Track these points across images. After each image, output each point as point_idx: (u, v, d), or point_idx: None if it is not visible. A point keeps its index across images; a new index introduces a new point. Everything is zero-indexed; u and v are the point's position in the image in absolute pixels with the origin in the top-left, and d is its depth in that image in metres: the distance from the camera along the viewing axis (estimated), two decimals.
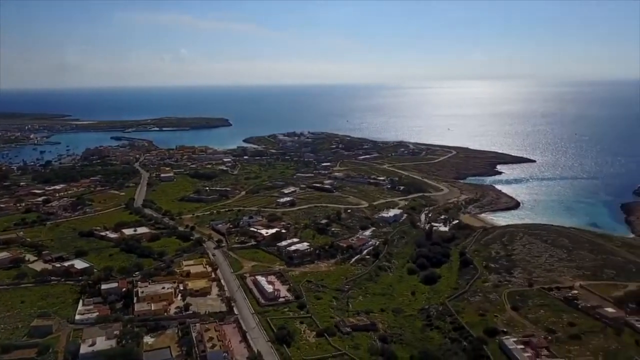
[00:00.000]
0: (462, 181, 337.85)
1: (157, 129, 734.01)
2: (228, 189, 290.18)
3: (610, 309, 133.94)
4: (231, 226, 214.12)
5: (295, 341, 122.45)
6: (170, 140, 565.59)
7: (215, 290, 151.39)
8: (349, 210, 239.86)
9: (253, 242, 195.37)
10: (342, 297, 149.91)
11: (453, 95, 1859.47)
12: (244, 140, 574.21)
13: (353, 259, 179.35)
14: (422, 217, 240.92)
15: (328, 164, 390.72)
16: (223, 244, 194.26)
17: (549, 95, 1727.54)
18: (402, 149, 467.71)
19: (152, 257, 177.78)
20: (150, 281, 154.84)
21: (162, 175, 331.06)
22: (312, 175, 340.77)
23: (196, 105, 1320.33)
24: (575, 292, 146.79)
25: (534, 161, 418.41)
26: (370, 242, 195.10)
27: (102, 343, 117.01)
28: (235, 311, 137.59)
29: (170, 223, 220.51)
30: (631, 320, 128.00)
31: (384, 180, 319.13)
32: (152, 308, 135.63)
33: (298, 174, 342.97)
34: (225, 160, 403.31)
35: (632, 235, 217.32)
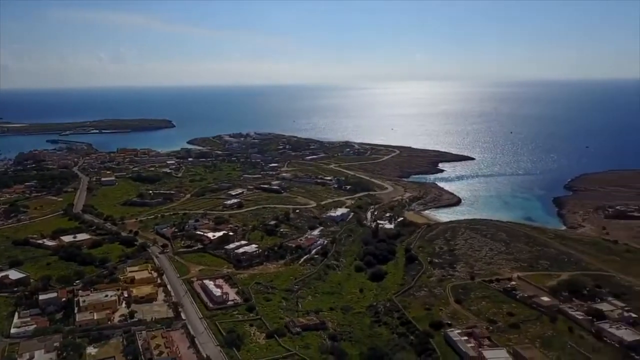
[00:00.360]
0: (405, 179, 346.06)
1: (97, 131, 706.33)
2: (172, 192, 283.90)
3: (545, 298, 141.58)
4: (176, 230, 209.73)
5: (245, 344, 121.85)
6: (111, 143, 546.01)
7: (161, 296, 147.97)
8: (297, 211, 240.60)
9: (200, 246, 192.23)
10: (291, 297, 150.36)
11: (396, 96, 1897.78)
12: (188, 142, 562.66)
13: (302, 259, 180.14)
14: (369, 215, 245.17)
15: (275, 164, 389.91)
16: (168, 249, 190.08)
17: (484, 95, 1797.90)
18: (348, 149, 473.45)
19: (94, 265, 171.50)
20: (92, 289, 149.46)
21: (103, 179, 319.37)
22: (260, 176, 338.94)
23: (138, 106, 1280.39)
24: (514, 283, 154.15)
25: (474, 159, 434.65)
26: (319, 242, 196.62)
27: (41, 357, 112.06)
28: (183, 316, 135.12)
29: (112, 228, 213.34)
30: (564, 308, 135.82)
31: (331, 180, 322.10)
32: (95, 317, 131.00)
33: (245, 175, 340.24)
34: (169, 162, 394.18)
35: (563, 228, 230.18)
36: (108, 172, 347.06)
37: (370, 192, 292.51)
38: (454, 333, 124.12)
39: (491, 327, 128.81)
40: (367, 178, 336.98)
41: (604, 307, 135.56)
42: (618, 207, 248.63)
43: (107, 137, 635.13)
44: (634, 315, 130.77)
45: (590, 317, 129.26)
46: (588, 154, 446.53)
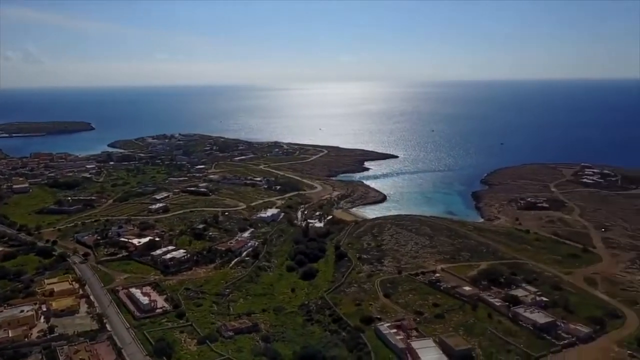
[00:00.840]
0: (334, 178, 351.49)
1: (7, 135, 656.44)
2: (93, 197, 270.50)
3: (467, 288, 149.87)
4: (99, 238, 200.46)
5: (175, 352, 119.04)
6: (24, 147, 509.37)
7: (84, 308, 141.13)
8: (226, 213, 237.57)
9: (124, 253, 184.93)
10: (222, 301, 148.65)
11: (323, 96, 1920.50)
12: (109, 145, 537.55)
13: (232, 262, 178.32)
14: (299, 214, 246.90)
15: (202, 166, 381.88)
16: (90, 258, 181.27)
17: (405, 95, 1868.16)
18: (277, 149, 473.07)
19: (7, 278, 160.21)
20: (5, 305, 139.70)
21: (15, 186, 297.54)
22: (186, 178, 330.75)
23: (54, 109, 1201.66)
24: (438, 275, 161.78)
25: (397, 157, 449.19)
26: (250, 244, 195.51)
27: None
28: (109, 328, 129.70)
29: (27, 239, 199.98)
30: (484, 296, 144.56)
31: (260, 180, 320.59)
32: (10, 335, 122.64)
33: (170, 178, 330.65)
34: (88, 167, 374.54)
35: (481, 220, 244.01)
36: (21, 178, 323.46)
37: (300, 192, 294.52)
38: (384, 327, 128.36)
39: (418, 319, 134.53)
40: (297, 178, 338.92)
41: (519, 293, 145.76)
42: (529, 199, 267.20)
43: (19, 141, 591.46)
44: (545, 299, 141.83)
45: (507, 303, 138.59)
46: (503, 150, 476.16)
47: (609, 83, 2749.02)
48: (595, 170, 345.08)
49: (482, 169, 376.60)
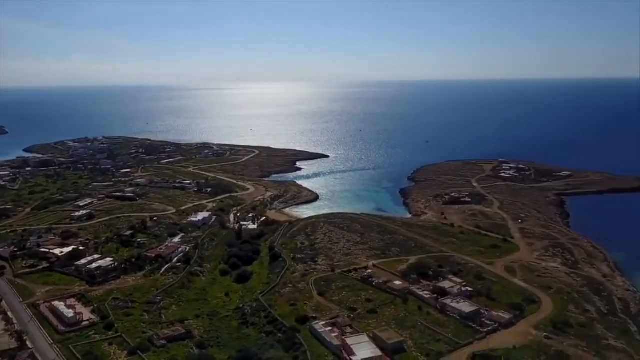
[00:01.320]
0: (266, 179, 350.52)
1: None
2: (8, 206, 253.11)
3: (397, 282, 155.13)
4: (16, 249, 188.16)
5: None
6: None
7: (1, 325, 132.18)
8: (155, 218, 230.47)
9: (45, 265, 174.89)
10: (154, 309, 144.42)
11: (253, 96, 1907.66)
12: (25, 150, 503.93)
13: (163, 269, 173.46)
14: (231, 217, 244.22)
15: (128, 170, 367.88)
16: (7, 271, 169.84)
17: (334, 95, 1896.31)
18: (207, 151, 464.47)
19: None
20: None
21: None
22: (111, 183, 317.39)
23: None
24: (370, 271, 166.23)
25: (328, 156, 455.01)
26: (181, 249, 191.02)
27: None
28: (30, 345, 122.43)
29: None
30: (414, 289, 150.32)
31: (190, 183, 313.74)
32: None
33: (94, 184, 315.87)
34: (2, 173, 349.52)
35: (409, 216, 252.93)
36: None
37: (232, 194, 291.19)
38: (319, 325, 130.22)
39: (352, 315, 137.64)
40: (228, 179, 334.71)
41: (446, 284, 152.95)
42: (453, 194, 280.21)
43: None
44: (470, 289, 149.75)
45: (435, 295, 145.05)
46: (429, 148, 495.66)
47: (590, 82, 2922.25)
48: (511, 165, 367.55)
49: (409, 166, 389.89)
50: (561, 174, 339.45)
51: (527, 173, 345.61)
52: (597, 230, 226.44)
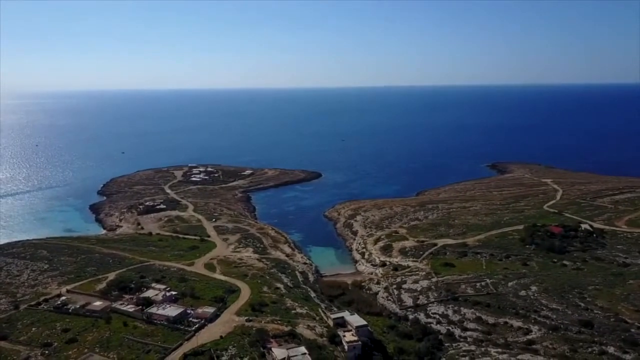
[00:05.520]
0: None
1: None
2: None
3: (98, 302, 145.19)
4: None
5: None
6: None
7: None
8: None
9: None
10: None
11: None
12: None
13: None
14: None
15: None
16: None
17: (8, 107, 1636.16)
18: None
19: None
20: None
21: None
22: None
23: None
24: (64, 297, 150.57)
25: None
26: None
27: None
28: None
29: None
30: (117, 306, 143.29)
31: None
32: None
33: None
34: None
35: (104, 232, 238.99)
36: None
37: None
38: None
39: (47, 351, 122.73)
40: None
41: (150, 293, 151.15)
42: (147, 203, 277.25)
43: None
44: (174, 292, 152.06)
45: (141, 307, 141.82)
46: (123, 159, 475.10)
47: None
48: (201, 169, 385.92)
49: (99, 179, 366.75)
50: (245, 172, 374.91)
51: (216, 175, 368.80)
52: (278, 217, 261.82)
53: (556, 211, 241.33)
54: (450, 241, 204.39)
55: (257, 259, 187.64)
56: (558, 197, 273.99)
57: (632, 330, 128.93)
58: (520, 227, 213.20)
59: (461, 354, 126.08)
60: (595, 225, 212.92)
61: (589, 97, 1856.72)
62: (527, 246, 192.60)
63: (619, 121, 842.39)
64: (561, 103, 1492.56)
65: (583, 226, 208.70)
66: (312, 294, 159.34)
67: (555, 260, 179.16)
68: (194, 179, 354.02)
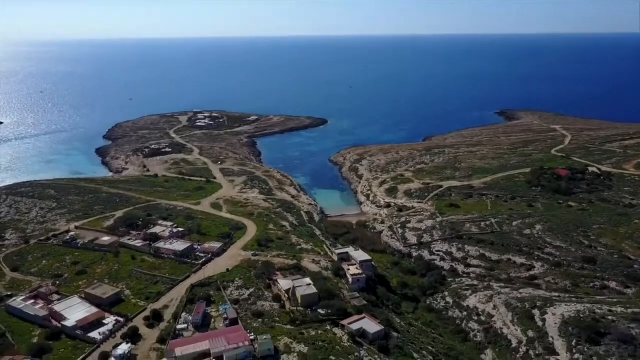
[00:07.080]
0: None
1: None
2: None
3: (106, 238, 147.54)
4: None
5: None
6: None
7: None
8: None
9: None
10: None
11: None
12: None
13: None
14: None
15: None
16: None
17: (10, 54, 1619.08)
18: None
19: None
20: None
21: None
22: None
23: None
24: (73, 233, 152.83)
25: (2, 123, 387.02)
26: None
27: None
28: None
29: None
30: (125, 241, 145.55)
31: None
32: None
33: None
34: None
35: (110, 174, 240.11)
36: None
37: None
38: (18, 301, 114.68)
39: (58, 282, 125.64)
40: None
41: (157, 229, 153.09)
42: (153, 147, 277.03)
43: None
44: (181, 229, 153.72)
45: (148, 242, 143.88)
46: (130, 105, 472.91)
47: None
48: (206, 115, 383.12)
49: (104, 125, 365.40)
50: (250, 118, 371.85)
51: (221, 120, 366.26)
52: (283, 161, 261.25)
53: (564, 155, 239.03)
54: (456, 183, 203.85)
55: (263, 200, 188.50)
56: (566, 142, 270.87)
57: (635, 266, 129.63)
58: (527, 170, 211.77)
59: (464, 288, 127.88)
60: (603, 168, 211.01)
61: (601, 47, 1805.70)
62: (534, 188, 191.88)
63: (631, 70, 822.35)
64: (574, 52, 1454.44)
65: (590, 169, 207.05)
66: (317, 232, 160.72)
67: (561, 201, 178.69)
68: (199, 124, 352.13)
